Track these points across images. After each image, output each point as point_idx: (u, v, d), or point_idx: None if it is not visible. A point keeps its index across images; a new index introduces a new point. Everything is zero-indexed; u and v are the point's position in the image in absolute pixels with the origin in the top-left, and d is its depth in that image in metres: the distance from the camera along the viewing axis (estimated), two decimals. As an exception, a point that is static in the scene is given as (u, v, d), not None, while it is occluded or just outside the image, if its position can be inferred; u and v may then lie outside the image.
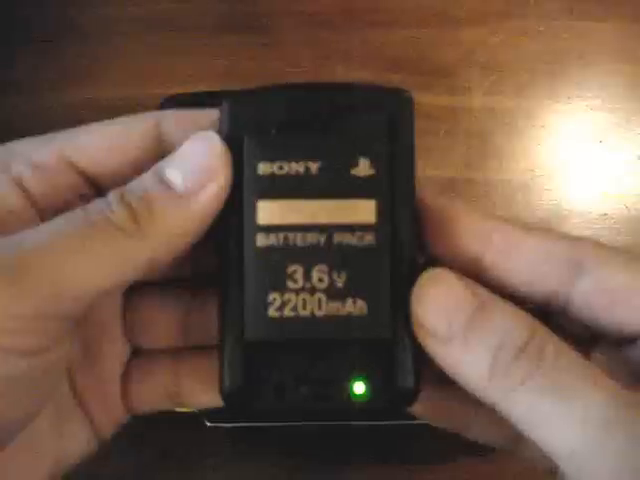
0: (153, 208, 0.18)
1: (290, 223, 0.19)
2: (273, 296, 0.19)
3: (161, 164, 0.19)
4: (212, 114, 0.20)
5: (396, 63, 0.41)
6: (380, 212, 0.19)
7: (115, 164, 0.20)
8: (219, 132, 0.19)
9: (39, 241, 0.17)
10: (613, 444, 0.16)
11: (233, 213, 0.19)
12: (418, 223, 0.20)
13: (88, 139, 0.20)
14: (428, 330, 0.18)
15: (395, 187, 0.19)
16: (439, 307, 0.18)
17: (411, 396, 0.19)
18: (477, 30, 0.41)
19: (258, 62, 0.41)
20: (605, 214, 0.40)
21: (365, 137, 0.19)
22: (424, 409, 0.21)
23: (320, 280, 0.19)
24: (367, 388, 0.19)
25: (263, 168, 0.19)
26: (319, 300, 0.19)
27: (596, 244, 0.19)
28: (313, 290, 0.19)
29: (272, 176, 0.19)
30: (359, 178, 0.19)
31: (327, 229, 0.19)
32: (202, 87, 0.38)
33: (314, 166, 0.19)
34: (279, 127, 0.19)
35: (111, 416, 0.22)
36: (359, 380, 0.19)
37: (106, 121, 0.21)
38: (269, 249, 0.19)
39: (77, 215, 0.18)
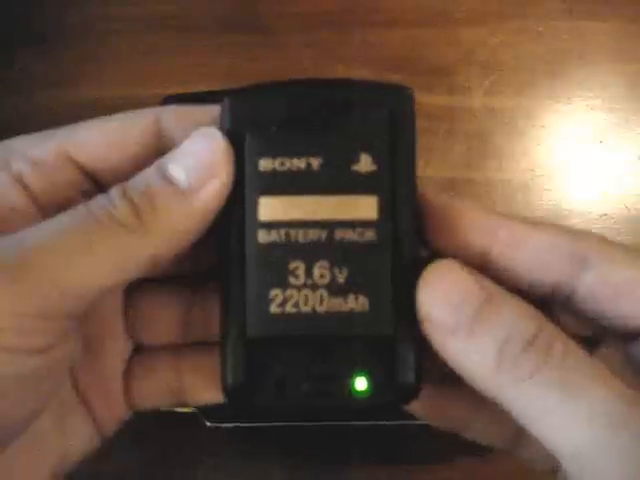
0: (156, 204, 0.18)
1: (291, 219, 0.19)
2: (275, 292, 0.19)
3: (164, 160, 0.19)
4: (212, 110, 0.20)
5: (396, 63, 0.41)
6: (381, 208, 0.19)
7: (115, 160, 0.20)
8: (220, 128, 0.19)
9: (41, 239, 0.17)
10: (618, 443, 0.16)
11: (234, 209, 0.19)
12: (419, 219, 0.20)
13: (87, 135, 0.20)
14: (433, 321, 0.18)
15: (396, 183, 0.19)
16: (446, 297, 0.18)
17: (412, 392, 0.19)
18: (477, 30, 0.42)
19: (258, 62, 0.41)
20: (605, 214, 0.40)
21: (366, 133, 0.19)
22: (424, 408, 0.21)
23: (322, 276, 0.19)
24: (368, 384, 0.19)
25: (264, 164, 0.19)
26: (321, 296, 0.19)
27: (601, 238, 0.19)
28: (315, 286, 0.19)
29: (273, 172, 0.19)
30: (360, 174, 0.19)
31: (329, 225, 0.19)
32: (202, 87, 0.38)
33: (315, 162, 0.19)
34: (280, 123, 0.19)
35: (113, 413, 0.22)
36: (361, 376, 0.19)
37: (105, 117, 0.21)
38: (271, 245, 0.19)
39: (79, 211, 0.18)
